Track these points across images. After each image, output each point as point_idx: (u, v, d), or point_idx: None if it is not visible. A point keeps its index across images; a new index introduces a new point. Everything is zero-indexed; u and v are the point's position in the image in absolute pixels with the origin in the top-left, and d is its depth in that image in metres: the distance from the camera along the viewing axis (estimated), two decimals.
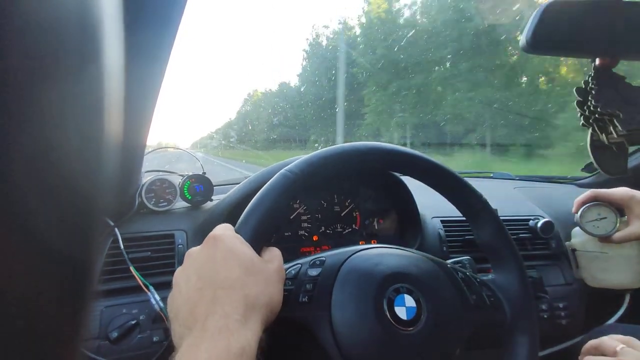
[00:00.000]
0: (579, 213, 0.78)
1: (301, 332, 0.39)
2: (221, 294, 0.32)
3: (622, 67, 0.47)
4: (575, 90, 0.48)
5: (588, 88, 0.47)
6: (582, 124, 0.48)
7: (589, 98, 0.46)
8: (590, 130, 0.48)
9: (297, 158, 0.45)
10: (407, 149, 0.49)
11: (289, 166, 0.43)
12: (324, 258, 0.43)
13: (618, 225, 0.75)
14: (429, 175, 0.49)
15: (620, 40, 0.45)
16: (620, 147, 0.47)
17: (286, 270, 0.41)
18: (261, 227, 0.39)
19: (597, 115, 0.46)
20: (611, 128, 0.45)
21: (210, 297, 0.32)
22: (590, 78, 0.47)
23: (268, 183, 0.41)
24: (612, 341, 0.54)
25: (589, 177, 1.13)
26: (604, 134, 0.46)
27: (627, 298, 0.81)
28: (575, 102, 0.48)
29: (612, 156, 0.48)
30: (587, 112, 0.47)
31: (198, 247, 0.37)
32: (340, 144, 0.46)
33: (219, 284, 0.33)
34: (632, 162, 0.97)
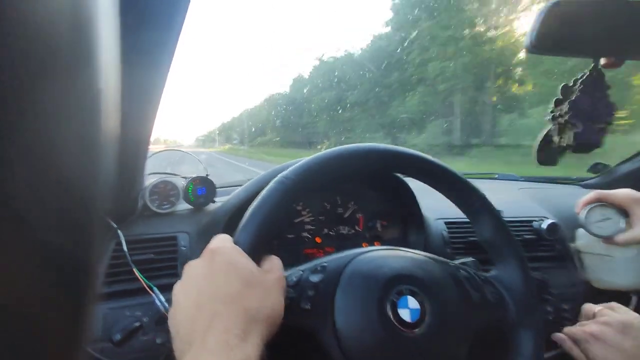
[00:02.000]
0: (583, 214, 0.77)
1: (305, 339, 0.39)
2: (221, 308, 0.32)
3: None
4: (562, 87, 0.51)
5: (573, 89, 0.49)
6: (549, 119, 0.53)
7: (567, 102, 0.49)
8: (551, 126, 0.53)
9: (298, 160, 0.45)
10: (406, 149, 0.48)
11: (285, 172, 0.42)
12: (325, 263, 0.42)
13: (622, 226, 0.74)
14: (428, 174, 0.49)
15: (625, 40, 0.45)
16: (563, 149, 0.52)
17: (287, 278, 0.40)
18: (259, 237, 0.38)
19: (562, 120, 0.50)
20: (566, 135, 0.50)
21: (209, 313, 0.32)
22: (580, 79, 0.49)
23: (264, 190, 0.41)
24: (591, 306, 0.58)
25: (593, 178, 1.12)
26: (559, 136, 0.51)
27: (634, 300, 0.80)
28: (555, 98, 0.51)
29: (552, 151, 0.54)
30: (557, 113, 0.51)
31: (197, 260, 0.37)
32: (339, 147, 0.45)
33: (219, 298, 0.33)
34: (633, 165, 0.97)
